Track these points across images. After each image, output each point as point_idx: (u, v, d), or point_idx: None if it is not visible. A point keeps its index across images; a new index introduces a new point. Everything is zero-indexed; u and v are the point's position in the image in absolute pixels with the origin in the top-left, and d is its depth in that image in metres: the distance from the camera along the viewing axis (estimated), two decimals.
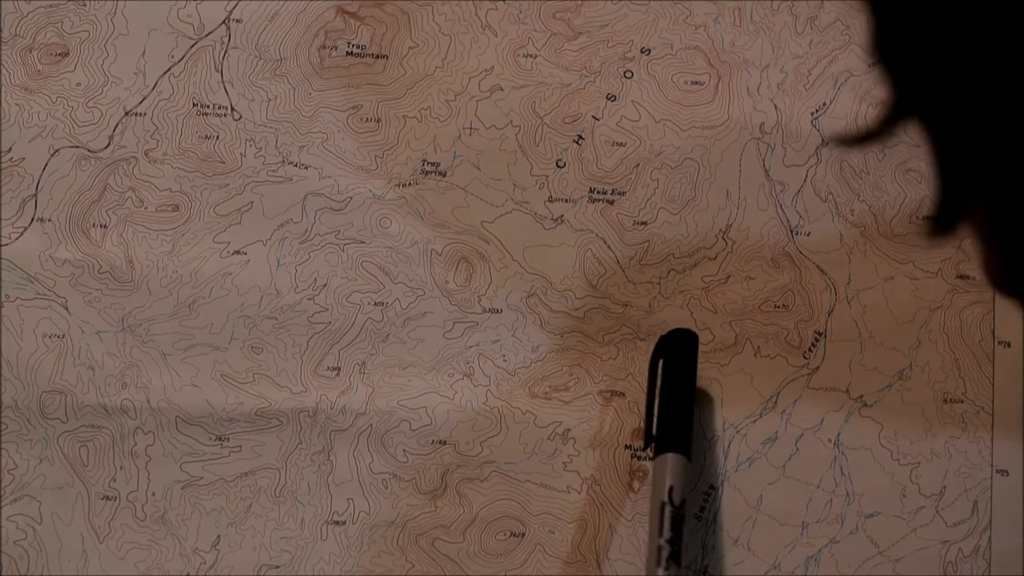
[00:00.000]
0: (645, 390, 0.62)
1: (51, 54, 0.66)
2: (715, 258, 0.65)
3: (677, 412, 0.61)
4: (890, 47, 0.33)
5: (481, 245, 0.65)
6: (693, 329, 0.63)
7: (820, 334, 0.64)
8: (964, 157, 0.33)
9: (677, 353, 0.62)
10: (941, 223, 0.35)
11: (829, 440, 0.64)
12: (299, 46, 0.66)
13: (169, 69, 0.66)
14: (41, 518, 0.64)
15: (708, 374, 0.64)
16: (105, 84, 0.66)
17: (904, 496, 0.63)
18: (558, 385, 0.64)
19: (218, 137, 0.66)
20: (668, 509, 0.57)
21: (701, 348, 0.64)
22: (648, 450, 0.62)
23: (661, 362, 0.62)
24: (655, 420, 0.61)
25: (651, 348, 0.64)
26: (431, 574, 0.63)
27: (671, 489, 0.58)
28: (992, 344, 0.64)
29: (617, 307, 0.65)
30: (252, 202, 0.65)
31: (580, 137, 0.66)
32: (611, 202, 0.65)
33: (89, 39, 0.66)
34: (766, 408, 0.64)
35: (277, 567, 0.64)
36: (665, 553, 0.55)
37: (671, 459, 0.59)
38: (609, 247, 0.65)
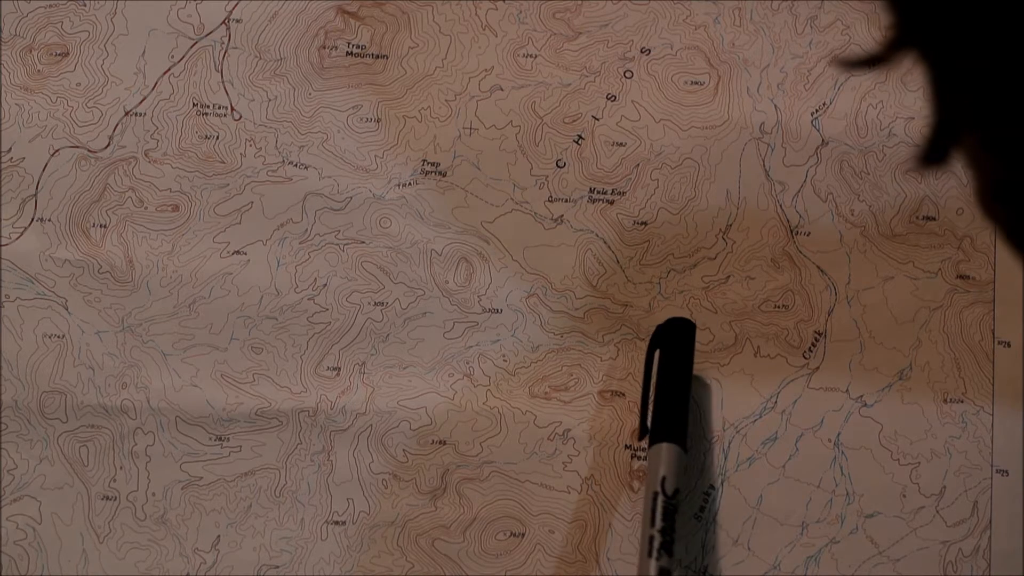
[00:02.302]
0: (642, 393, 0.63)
1: (51, 54, 0.66)
2: (715, 258, 0.65)
3: (672, 402, 0.60)
4: None
5: (481, 245, 0.65)
6: (690, 319, 0.63)
7: (820, 334, 0.64)
8: (960, 85, 0.34)
9: (674, 343, 0.62)
10: (933, 152, 0.36)
11: (829, 440, 0.64)
12: (299, 46, 0.66)
13: (169, 69, 0.66)
14: (41, 518, 0.64)
15: (708, 374, 0.64)
16: (105, 84, 0.66)
17: (904, 496, 0.63)
18: (558, 385, 0.64)
19: (218, 137, 0.66)
20: (660, 499, 0.57)
21: (701, 348, 0.64)
22: (644, 441, 0.62)
23: (657, 352, 0.62)
24: (650, 410, 0.61)
25: None
26: (431, 574, 0.63)
27: (663, 479, 0.57)
28: (992, 344, 0.64)
29: (617, 307, 0.65)
30: (252, 202, 0.65)
31: (580, 137, 0.66)
32: (611, 202, 0.65)
33: (89, 39, 0.66)
34: (766, 408, 0.64)
35: (277, 567, 0.64)
36: (656, 543, 0.55)
37: (665, 449, 0.59)
38: (609, 247, 0.65)
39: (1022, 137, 0.34)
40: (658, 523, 0.56)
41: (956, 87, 0.34)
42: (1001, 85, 0.33)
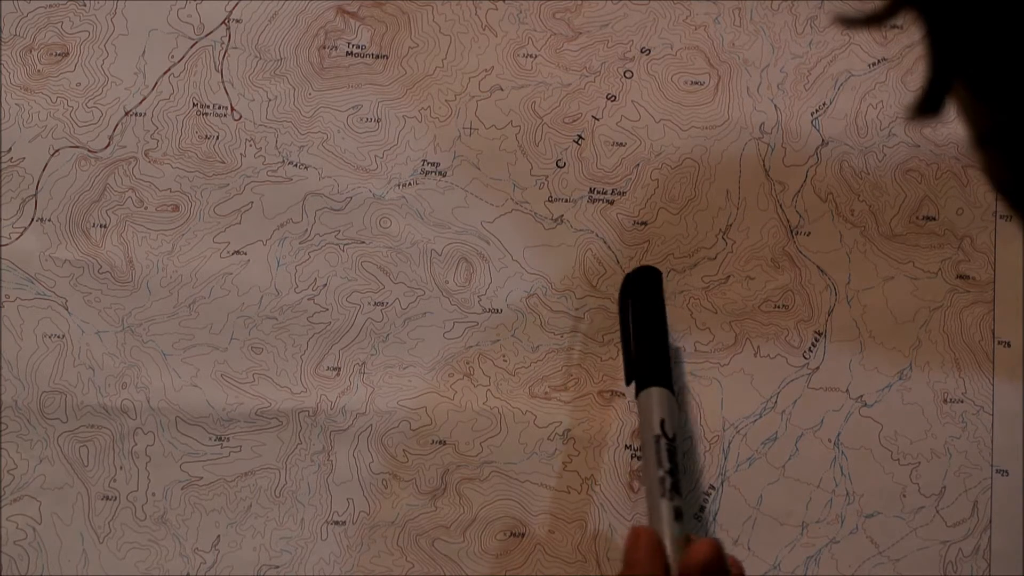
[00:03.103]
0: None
1: (51, 54, 0.66)
2: (715, 258, 0.65)
3: (653, 347, 0.60)
4: None
5: (481, 245, 0.65)
6: (655, 266, 0.63)
7: (820, 334, 0.64)
8: (953, 37, 0.36)
9: (644, 292, 0.62)
10: (928, 101, 0.37)
11: (829, 440, 0.64)
12: (299, 46, 0.66)
13: (169, 69, 0.66)
14: (41, 518, 0.64)
15: (708, 374, 0.64)
16: (105, 84, 0.66)
17: (904, 496, 0.63)
18: (558, 385, 0.64)
19: (218, 137, 0.66)
20: (663, 441, 0.57)
21: (701, 348, 0.64)
22: (630, 389, 0.62)
23: (630, 302, 0.62)
24: (633, 357, 0.61)
25: None
26: (431, 574, 0.63)
27: (662, 421, 0.57)
28: (992, 344, 0.64)
29: (617, 307, 0.65)
30: (252, 202, 0.65)
31: (580, 137, 0.66)
32: (611, 202, 0.65)
33: (89, 39, 0.66)
34: (766, 408, 0.64)
35: (277, 567, 0.64)
36: (667, 484, 0.55)
37: (656, 393, 0.59)
38: (609, 247, 0.65)
39: (1010, 86, 0.36)
40: (665, 464, 0.56)
41: (949, 39, 0.36)
42: (992, 36, 0.35)
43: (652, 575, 0.52)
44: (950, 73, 0.37)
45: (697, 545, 0.53)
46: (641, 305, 0.62)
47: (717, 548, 0.52)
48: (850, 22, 0.39)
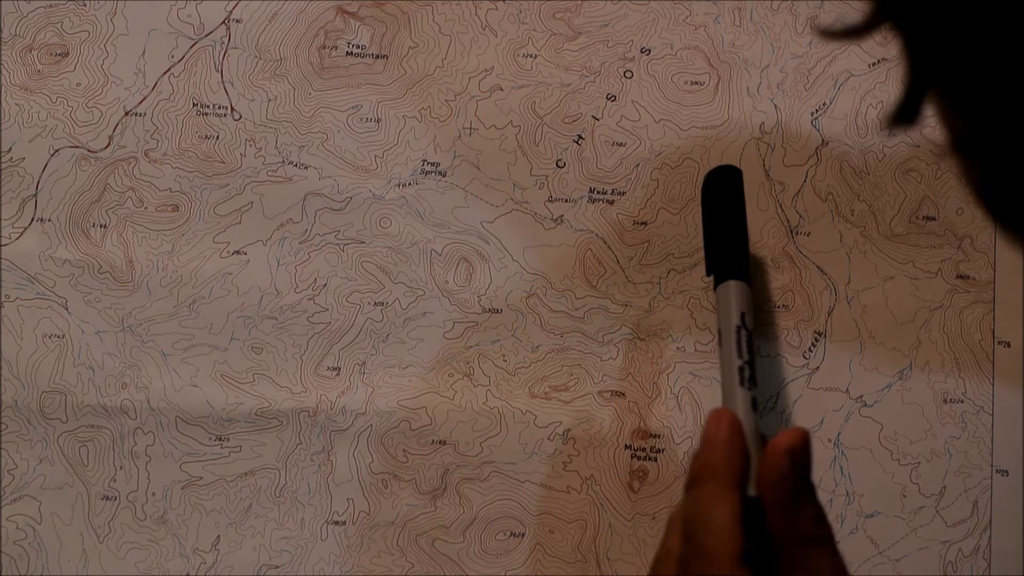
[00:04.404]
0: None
1: (51, 54, 0.66)
2: None
3: (734, 243, 0.61)
4: None
5: (481, 245, 0.65)
6: (737, 166, 0.63)
7: (820, 334, 0.64)
8: (929, 49, 0.37)
9: (725, 189, 0.62)
10: (905, 111, 0.38)
11: (829, 440, 0.64)
12: (299, 46, 0.66)
13: (169, 69, 0.66)
14: (41, 518, 0.64)
15: (708, 374, 0.64)
16: (105, 84, 0.66)
17: (904, 496, 0.63)
18: (558, 385, 0.64)
19: (218, 137, 0.66)
20: (743, 333, 0.57)
21: (701, 348, 0.64)
22: (707, 281, 0.61)
23: (713, 198, 0.62)
24: (715, 250, 0.61)
25: (651, 348, 0.64)
26: (431, 574, 0.63)
27: (743, 315, 0.57)
28: (992, 344, 0.64)
29: (617, 307, 0.65)
30: (252, 202, 0.65)
31: (580, 137, 0.66)
32: (611, 202, 0.65)
33: (89, 39, 0.66)
34: (766, 408, 0.64)
35: (277, 567, 0.64)
36: (746, 373, 0.55)
37: (738, 286, 0.59)
38: (609, 247, 0.65)
39: (981, 96, 0.37)
40: (744, 354, 0.56)
41: (926, 51, 0.37)
42: (965, 48, 0.36)
43: (731, 459, 0.51)
44: (925, 84, 0.38)
45: (787, 431, 0.51)
46: (722, 202, 0.62)
47: (807, 437, 0.50)
48: (831, 35, 0.40)
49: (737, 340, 0.57)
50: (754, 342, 0.57)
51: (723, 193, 0.62)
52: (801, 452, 0.50)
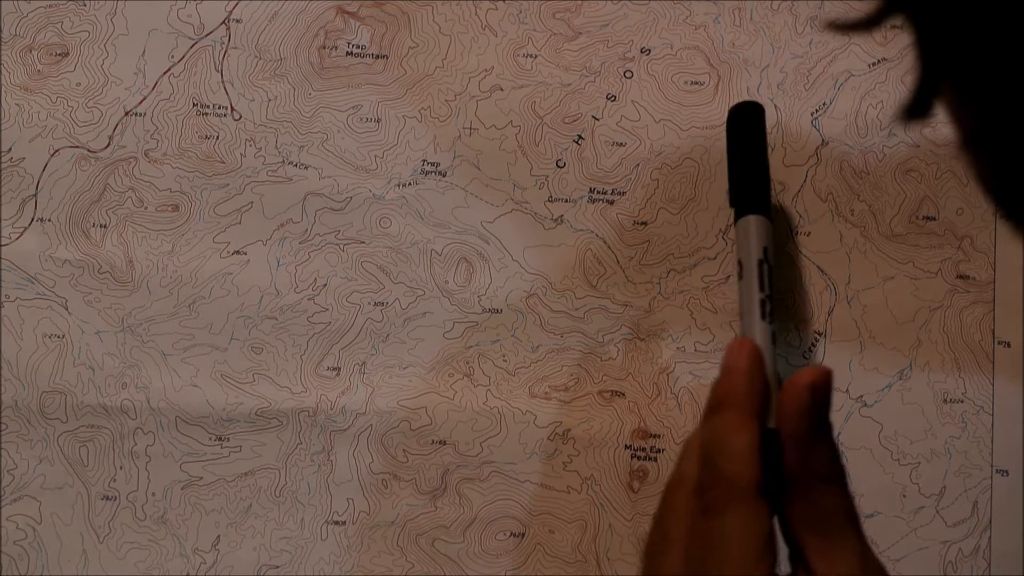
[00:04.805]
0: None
1: (51, 54, 0.66)
2: (715, 258, 0.65)
3: (755, 178, 0.60)
4: None
5: (481, 245, 0.65)
6: (755, 101, 0.63)
7: (820, 334, 0.64)
8: (941, 43, 0.37)
9: (746, 124, 0.62)
10: (916, 106, 0.38)
11: None
12: (299, 46, 0.66)
13: (169, 69, 0.66)
14: (41, 518, 0.64)
15: (708, 374, 0.64)
16: (105, 84, 0.66)
17: (904, 496, 0.63)
18: (558, 385, 0.64)
19: (218, 137, 0.66)
20: (765, 267, 0.57)
21: (701, 348, 0.64)
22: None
23: (735, 133, 0.62)
24: (738, 184, 0.61)
25: (651, 348, 0.64)
26: (431, 574, 0.63)
27: (765, 249, 0.58)
28: (992, 344, 0.64)
29: (617, 307, 0.65)
30: (252, 202, 0.65)
31: (580, 137, 0.66)
32: (611, 202, 0.65)
33: (89, 39, 0.66)
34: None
35: (277, 567, 0.64)
36: (768, 307, 0.55)
37: (758, 221, 0.59)
38: (609, 247, 0.65)
39: (995, 91, 0.37)
40: (766, 288, 0.56)
41: (937, 44, 0.37)
42: (978, 42, 0.36)
43: (752, 387, 0.50)
44: (938, 77, 0.38)
45: (810, 367, 0.50)
46: (746, 137, 0.62)
47: (829, 374, 0.50)
48: (841, 27, 0.39)
49: (759, 273, 0.57)
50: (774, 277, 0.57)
51: (747, 129, 0.62)
52: (822, 388, 0.49)
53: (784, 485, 0.49)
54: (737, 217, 0.59)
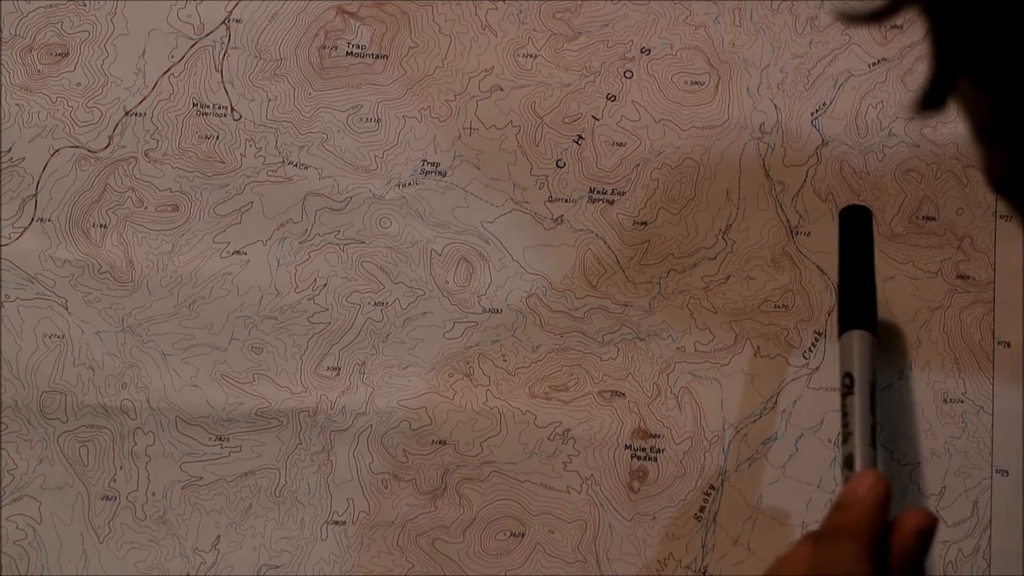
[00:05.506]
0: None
1: (51, 54, 0.66)
2: (715, 258, 0.65)
3: (864, 290, 0.61)
4: None
5: (481, 245, 0.65)
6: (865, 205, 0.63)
7: (820, 334, 0.64)
8: (956, 32, 0.37)
9: (860, 232, 0.62)
10: (931, 96, 0.38)
11: (829, 440, 0.64)
12: (299, 46, 0.66)
13: (169, 69, 0.66)
14: (41, 518, 0.64)
15: (708, 374, 0.64)
16: (105, 84, 0.66)
17: (904, 496, 0.63)
18: (558, 385, 0.64)
19: (218, 137, 0.66)
20: (875, 391, 0.58)
21: (701, 348, 0.64)
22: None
23: (849, 241, 0.62)
24: (849, 297, 0.61)
25: (651, 348, 0.64)
26: (431, 574, 0.63)
27: (873, 371, 0.58)
28: (992, 344, 0.64)
29: (617, 307, 0.65)
30: (252, 202, 0.65)
31: (580, 137, 0.66)
32: (611, 202, 0.65)
33: (89, 39, 0.66)
34: (766, 408, 0.64)
35: (277, 567, 0.64)
36: (878, 433, 0.56)
37: (866, 339, 0.59)
38: (609, 247, 0.65)
39: (1015, 77, 0.36)
40: (876, 414, 0.57)
41: (952, 33, 0.37)
42: (995, 27, 0.36)
43: (875, 526, 0.51)
44: (953, 68, 0.38)
45: (917, 511, 0.51)
46: (854, 246, 0.62)
47: (935, 522, 0.51)
48: (852, 19, 0.39)
49: (871, 397, 0.57)
50: None
51: (857, 237, 0.62)
52: (928, 534, 0.51)
53: None
54: (842, 327, 0.60)
